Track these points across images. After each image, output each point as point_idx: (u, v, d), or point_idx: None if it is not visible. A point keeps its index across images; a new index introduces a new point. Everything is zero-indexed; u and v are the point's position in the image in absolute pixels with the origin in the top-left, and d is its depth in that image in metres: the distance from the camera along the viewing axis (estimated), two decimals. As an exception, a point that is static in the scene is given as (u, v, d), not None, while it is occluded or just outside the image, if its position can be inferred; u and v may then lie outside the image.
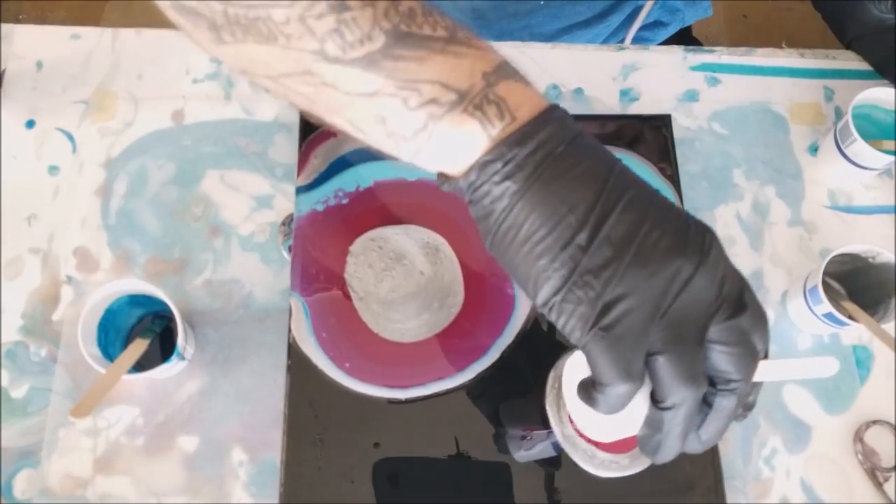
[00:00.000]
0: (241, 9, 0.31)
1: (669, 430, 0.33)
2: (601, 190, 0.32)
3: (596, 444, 0.48)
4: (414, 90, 0.32)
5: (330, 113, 0.35)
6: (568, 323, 0.32)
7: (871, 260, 0.54)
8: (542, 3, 0.69)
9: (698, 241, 0.32)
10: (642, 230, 0.32)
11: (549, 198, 0.32)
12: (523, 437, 0.52)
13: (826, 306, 0.52)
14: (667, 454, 0.35)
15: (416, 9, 0.32)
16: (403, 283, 0.56)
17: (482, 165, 0.33)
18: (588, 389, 0.34)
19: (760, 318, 0.34)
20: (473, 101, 0.33)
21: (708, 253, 0.32)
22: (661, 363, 0.32)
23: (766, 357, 0.35)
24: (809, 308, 0.55)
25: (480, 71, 0.33)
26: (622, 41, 0.75)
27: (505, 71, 0.34)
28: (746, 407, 0.36)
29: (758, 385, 0.36)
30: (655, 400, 0.33)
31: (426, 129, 0.33)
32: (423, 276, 0.56)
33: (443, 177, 0.35)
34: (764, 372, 0.35)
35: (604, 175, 0.32)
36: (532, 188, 0.32)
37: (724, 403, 0.34)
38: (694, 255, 0.32)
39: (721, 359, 0.33)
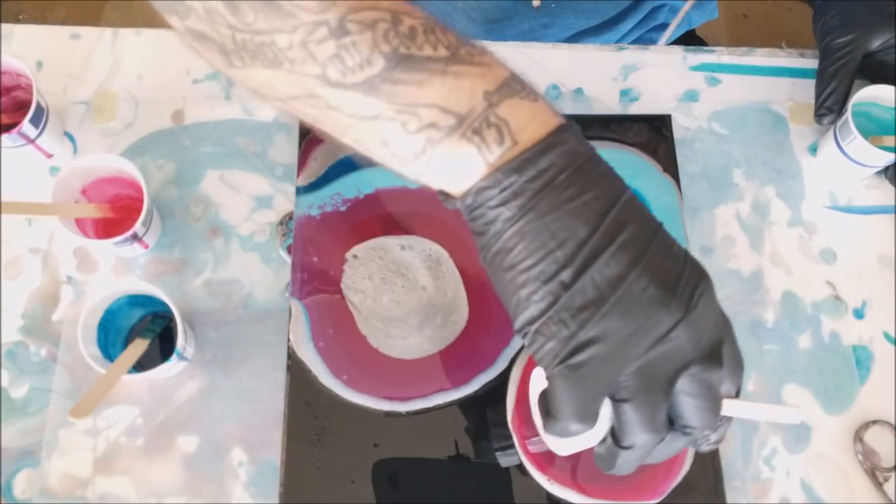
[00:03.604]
0: (248, 34, 0.32)
1: (623, 463, 0.34)
2: (597, 226, 0.31)
3: (586, 491, 0.47)
4: (413, 114, 0.32)
5: (337, 133, 0.35)
6: (538, 353, 0.32)
7: None
8: (548, 22, 0.69)
9: (687, 292, 0.32)
10: (630, 276, 0.31)
11: (540, 230, 0.31)
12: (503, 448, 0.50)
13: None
14: (619, 472, 0.35)
15: (417, 28, 0.32)
16: (405, 298, 0.55)
17: (478, 191, 0.32)
18: (544, 408, 0.34)
19: (736, 367, 0.35)
20: (472, 126, 0.32)
21: (694, 306, 0.32)
22: (626, 409, 0.32)
23: (737, 395, 0.35)
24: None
25: (482, 91, 0.32)
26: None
27: (511, 88, 0.33)
28: (714, 442, 0.36)
29: (726, 422, 0.36)
30: (615, 436, 0.34)
31: (425, 153, 0.33)
32: (426, 292, 0.55)
33: (444, 194, 0.35)
34: (732, 409, 0.35)
35: (604, 208, 0.32)
36: (525, 217, 0.32)
37: (676, 442, 0.35)
38: (678, 309, 0.32)
39: (685, 407, 0.33)
